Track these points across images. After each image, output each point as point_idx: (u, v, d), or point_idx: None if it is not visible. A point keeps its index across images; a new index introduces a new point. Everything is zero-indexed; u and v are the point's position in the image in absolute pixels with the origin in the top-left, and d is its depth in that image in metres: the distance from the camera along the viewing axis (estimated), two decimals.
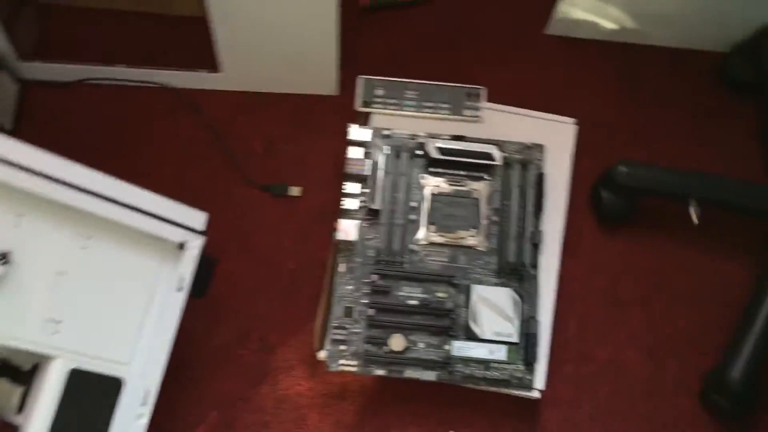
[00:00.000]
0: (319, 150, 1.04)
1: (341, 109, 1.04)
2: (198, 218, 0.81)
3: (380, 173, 0.94)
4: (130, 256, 0.76)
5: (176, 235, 0.78)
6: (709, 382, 0.94)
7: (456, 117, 0.99)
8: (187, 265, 0.80)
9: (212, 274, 0.84)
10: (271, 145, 1.04)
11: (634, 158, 1.01)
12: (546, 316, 0.93)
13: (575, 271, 0.99)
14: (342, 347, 0.90)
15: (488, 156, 0.94)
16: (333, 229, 0.91)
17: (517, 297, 0.91)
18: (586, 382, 0.96)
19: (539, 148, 0.97)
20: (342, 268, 0.92)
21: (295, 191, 1.01)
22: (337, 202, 0.93)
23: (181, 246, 0.79)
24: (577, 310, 0.98)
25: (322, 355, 0.91)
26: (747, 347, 0.91)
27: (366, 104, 1.00)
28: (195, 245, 0.80)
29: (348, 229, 0.91)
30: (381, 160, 0.94)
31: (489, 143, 0.96)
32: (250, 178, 1.02)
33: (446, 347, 0.90)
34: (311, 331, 0.95)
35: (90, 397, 0.74)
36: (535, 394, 0.90)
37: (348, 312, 0.91)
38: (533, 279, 0.92)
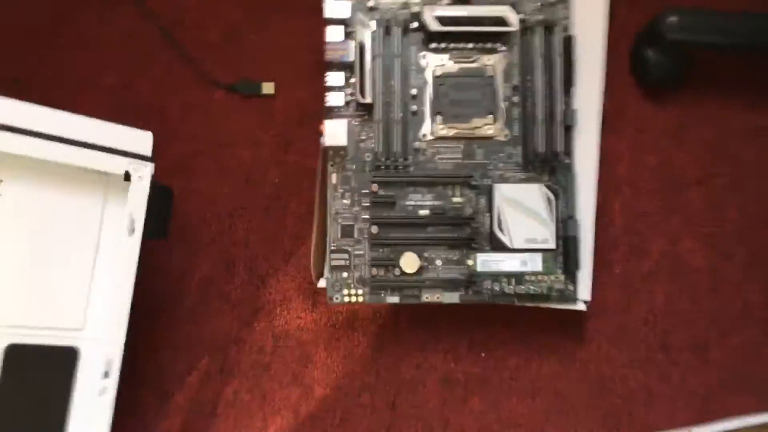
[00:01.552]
0: (291, 34, 0.87)
1: None
2: (143, 140, 0.66)
3: (368, 57, 0.77)
4: (61, 198, 0.62)
5: (116, 164, 0.64)
6: None
7: None
8: (137, 201, 0.65)
9: (170, 206, 0.70)
10: (233, 33, 0.87)
11: (682, 4, 0.84)
12: (587, 213, 0.78)
13: (619, 151, 0.84)
14: (344, 274, 0.77)
15: (501, 21, 0.77)
16: (318, 133, 0.76)
17: (550, 194, 0.76)
18: (639, 282, 0.83)
19: (564, 2, 0.80)
20: (334, 179, 0.78)
21: (267, 88, 0.85)
22: (320, 97, 0.78)
23: (126, 177, 0.65)
24: (624, 199, 0.84)
25: (321, 283, 0.79)
26: None
27: None
28: (143, 174, 0.66)
29: (336, 132, 0.75)
30: (367, 39, 0.77)
31: (501, 4, 0.78)
32: (212, 77, 0.86)
33: (469, 262, 0.76)
34: (306, 254, 0.82)
35: (38, 374, 0.62)
36: (581, 306, 0.78)
37: (347, 231, 0.78)
38: (568, 170, 0.77)
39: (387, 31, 0.78)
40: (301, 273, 0.83)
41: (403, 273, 0.76)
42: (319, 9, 0.78)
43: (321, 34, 0.77)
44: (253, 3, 0.87)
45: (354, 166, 0.78)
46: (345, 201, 0.78)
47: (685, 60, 0.83)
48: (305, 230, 0.83)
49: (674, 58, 0.82)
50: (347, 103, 0.78)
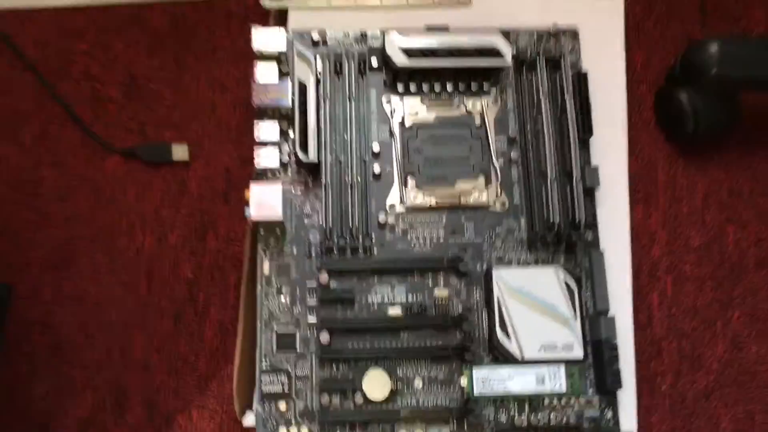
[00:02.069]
0: (212, 84, 0.66)
1: (241, 17, 0.67)
2: None
3: (311, 100, 0.57)
4: None
5: None
6: None
7: (428, 1, 0.62)
8: None
9: (5, 308, 0.47)
10: (134, 85, 0.66)
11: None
12: (622, 307, 0.57)
13: (651, 228, 0.63)
14: (281, 405, 0.53)
15: (490, 52, 0.59)
16: (244, 203, 0.55)
17: (570, 280, 0.56)
18: (695, 404, 0.60)
19: (571, 34, 0.62)
20: (266, 268, 0.56)
21: (179, 153, 0.63)
22: (249, 160, 0.57)
23: None
24: (663, 290, 0.62)
25: (248, 421, 0.55)
26: None
27: None
28: None
29: (266, 200, 0.54)
30: (310, 79, 0.58)
31: (487, 32, 0.59)
32: (104, 139, 0.64)
33: (461, 382, 0.54)
34: (230, 379, 0.59)
35: None
36: None
37: (285, 342, 0.54)
38: (593, 247, 0.57)
39: (337, 69, 0.60)
40: (222, 406, 0.59)
41: (367, 401, 0.54)
42: (249, 53, 0.59)
43: (250, 77, 0.58)
44: (160, 43, 0.67)
45: (294, 251, 0.56)
46: (282, 299, 0.55)
47: (730, 103, 0.64)
48: (229, 344, 0.60)
49: (717, 101, 0.63)
50: (284, 165, 0.57)
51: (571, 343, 0.54)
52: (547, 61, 0.59)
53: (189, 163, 0.64)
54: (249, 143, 0.59)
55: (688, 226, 0.64)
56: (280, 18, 0.62)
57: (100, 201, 0.63)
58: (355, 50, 0.59)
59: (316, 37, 0.59)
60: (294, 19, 0.62)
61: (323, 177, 0.56)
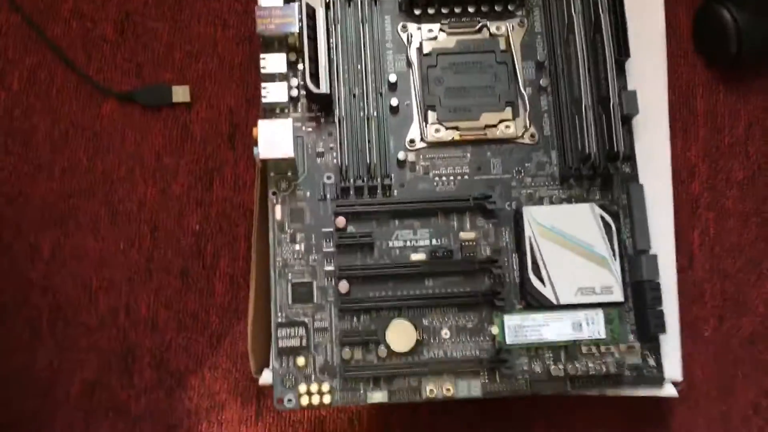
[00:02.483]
0: (212, 19, 0.61)
1: None
2: None
3: (320, 26, 0.52)
4: None
5: None
6: None
7: None
8: None
9: None
10: (129, 23, 0.61)
11: None
12: (665, 245, 0.52)
13: (690, 161, 0.59)
14: (299, 360, 0.49)
15: None
16: (252, 143, 0.50)
17: (607, 217, 0.51)
18: (740, 350, 0.56)
19: None
20: (279, 213, 0.51)
21: (180, 94, 0.59)
22: (254, 101, 0.53)
23: None
24: (705, 228, 0.58)
25: (265, 378, 0.51)
26: None
27: None
28: None
29: (275, 137, 0.49)
30: (319, 3, 0.53)
31: None
32: (101, 83, 0.59)
33: (492, 330, 0.50)
34: (243, 335, 0.55)
35: None
36: (669, 392, 0.51)
37: (301, 293, 0.50)
38: (632, 181, 0.52)
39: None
40: (236, 364, 0.56)
41: (391, 353, 0.50)
42: None
43: (254, 10, 0.53)
44: None
45: (308, 193, 0.52)
46: (296, 246, 0.51)
47: None
48: (242, 299, 0.57)
49: (763, 18, 0.58)
50: (293, 99, 0.53)
51: (610, 285, 0.50)
52: None
53: (191, 105, 0.59)
54: (254, 82, 0.55)
55: (730, 159, 0.59)
56: None
57: (98, 149, 0.59)
58: None
59: None
60: None
61: (336, 111, 0.51)
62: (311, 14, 0.52)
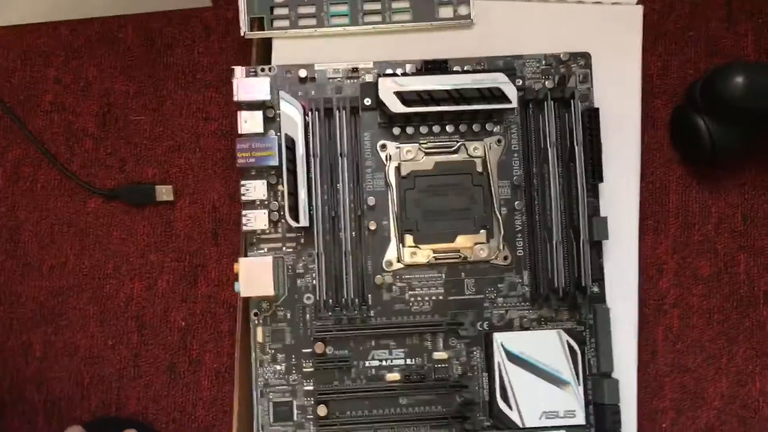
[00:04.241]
0: (194, 110, 0.61)
1: (220, 32, 0.61)
2: None
3: (300, 155, 0.53)
4: None
5: None
6: None
7: (425, 25, 0.56)
8: None
9: None
10: (111, 116, 0.61)
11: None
12: (627, 363, 0.55)
13: (659, 257, 0.60)
14: None
15: (495, 95, 0.53)
16: (233, 278, 0.51)
17: (573, 343, 0.53)
18: None
19: (582, 59, 0.56)
20: (260, 335, 0.53)
21: (163, 193, 0.60)
22: (236, 196, 0.54)
23: None
24: (669, 324, 0.60)
25: None
26: None
27: (259, 23, 0.56)
28: None
29: (258, 277, 0.51)
30: (297, 128, 0.53)
31: (491, 69, 0.54)
32: (85, 179, 0.60)
33: None
34: (229, 429, 0.58)
35: None
36: None
37: (282, 413, 0.53)
38: (599, 305, 0.54)
39: (327, 113, 0.54)
40: None
41: None
42: (227, 75, 0.54)
43: (232, 110, 0.54)
44: (135, 69, 0.61)
45: (288, 315, 0.54)
46: (277, 367, 0.53)
47: (752, 131, 0.58)
48: (227, 392, 0.59)
49: (738, 130, 0.58)
50: (274, 223, 0.54)
51: (573, 409, 0.52)
52: (555, 100, 0.54)
53: (174, 204, 0.60)
54: (236, 177, 0.55)
55: (698, 256, 0.61)
56: (264, 47, 0.57)
57: (84, 246, 0.60)
58: (345, 87, 0.55)
59: (303, 74, 0.54)
60: (279, 49, 0.56)
61: (316, 246, 0.52)
62: (290, 145, 0.52)
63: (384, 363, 0.54)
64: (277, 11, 0.55)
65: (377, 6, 0.55)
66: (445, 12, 0.56)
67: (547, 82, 0.55)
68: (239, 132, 0.52)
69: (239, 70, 0.53)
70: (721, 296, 0.60)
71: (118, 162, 0.60)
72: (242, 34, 0.55)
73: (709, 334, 0.60)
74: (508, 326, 0.54)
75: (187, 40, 0.61)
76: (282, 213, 0.53)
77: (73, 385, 0.59)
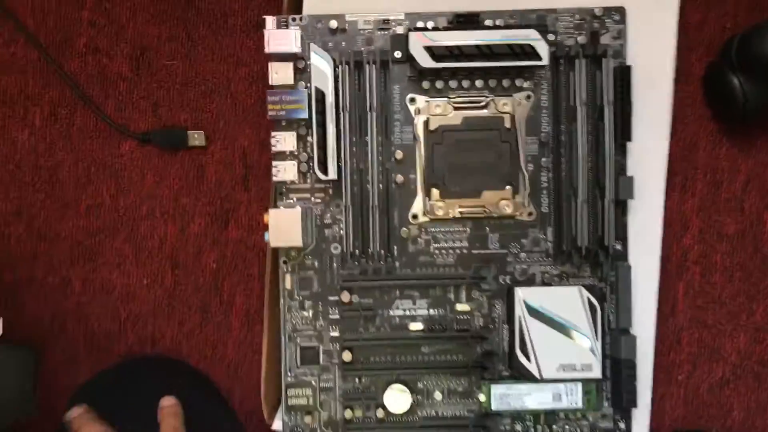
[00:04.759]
0: (225, 55, 0.61)
1: None
2: None
3: (329, 111, 0.54)
4: None
5: None
6: None
7: None
8: None
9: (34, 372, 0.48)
10: (144, 60, 0.61)
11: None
12: (646, 320, 0.56)
13: (685, 213, 0.61)
14: (306, 418, 0.55)
15: (526, 51, 0.52)
16: (263, 227, 0.53)
17: (593, 299, 0.54)
18: (709, 395, 0.61)
19: (617, 13, 0.55)
20: (288, 282, 0.55)
21: (195, 138, 0.61)
22: (267, 143, 0.55)
23: None
24: (691, 279, 0.61)
25: (276, 425, 0.58)
26: None
27: None
28: None
29: (284, 226, 0.52)
30: (327, 81, 0.53)
31: (522, 26, 0.53)
32: (118, 122, 0.61)
33: (480, 397, 0.55)
34: (257, 369, 0.60)
35: None
36: None
37: (309, 356, 0.56)
38: (621, 261, 0.55)
39: (357, 66, 0.54)
40: (253, 399, 0.61)
41: (388, 414, 0.56)
42: (263, 20, 0.54)
43: (263, 58, 0.54)
44: (170, 15, 0.61)
45: (316, 263, 0.55)
46: (305, 313, 0.55)
47: None
48: (256, 333, 0.62)
49: None
50: (303, 174, 0.55)
51: (590, 363, 0.54)
52: (587, 53, 0.54)
53: (206, 148, 0.61)
54: (267, 123, 0.56)
55: (725, 213, 0.61)
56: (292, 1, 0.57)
57: (119, 189, 0.62)
58: (376, 40, 0.54)
59: (333, 25, 0.54)
60: (309, 2, 0.55)
61: (344, 198, 0.53)
62: (320, 98, 0.53)
63: (407, 313, 0.55)
64: None
65: None
66: None
67: (579, 38, 0.54)
68: (270, 83, 0.53)
69: (270, 21, 0.53)
70: (745, 254, 0.61)
71: (151, 106, 0.61)
72: None
73: (730, 291, 0.61)
74: (530, 281, 0.55)
75: None
76: (311, 165, 0.54)
77: (111, 320, 0.62)
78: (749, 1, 0.60)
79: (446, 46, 0.52)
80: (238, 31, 0.61)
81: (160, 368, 0.61)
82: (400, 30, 0.54)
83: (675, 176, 0.60)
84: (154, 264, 0.61)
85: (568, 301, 0.54)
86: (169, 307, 0.62)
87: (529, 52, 0.52)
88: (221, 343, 0.62)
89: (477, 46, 0.52)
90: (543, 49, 0.52)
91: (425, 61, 0.52)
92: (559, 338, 0.54)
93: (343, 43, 0.54)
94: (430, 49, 0.52)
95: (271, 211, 0.52)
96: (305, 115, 0.52)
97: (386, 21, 0.54)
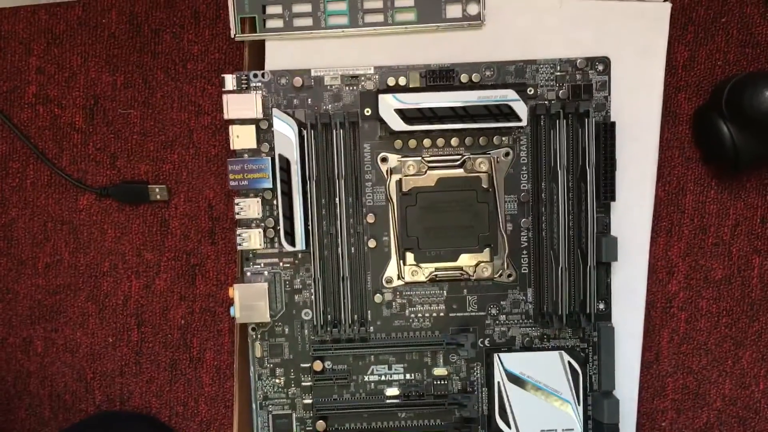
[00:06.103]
0: (185, 102, 0.58)
1: (209, 17, 0.57)
2: None
3: (295, 175, 0.51)
4: None
5: None
6: None
7: (431, 26, 0.52)
8: None
9: None
10: (98, 108, 0.58)
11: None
12: (629, 380, 0.55)
13: (671, 260, 0.59)
14: None
15: (504, 112, 0.50)
16: (228, 301, 0.51)
17: (575, 364, 0.53)
18: None
19: (600, 64, 0.52)
20: (258, 350, 0.54)
21: (156, 193, 0.58)
22: (233, 196, 0.52)
23: None
24: (676, 327, 0.59)
25: None
26: None
27: (250, 23, 0.52)
28: None
29: (254, 304, 0.50)
30: (292, 147, 0.50)
31: (499, 85, 0.50)
32: (75, 175, 0.58)
33: None
34: (229, 422, 0.59)
35: None
36: None
37: (281, 426, 0.54)
38: (604, 323, 0.53)
39: (324, 126, 0.51)
40: None
41: None
42: (224, 64, 0.51)
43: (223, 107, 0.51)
44: (125, 61, 0.57)
45: (286, 329, 0.53)
46: (276, 380, 0.54)
47: None
48: (228, 390, 0.60)
49: (762, 138, 0.55)
50: (271, 239, 0.53)
51: (571, 428, 0.53)
52: (568, 115, 0.51)
53: (168, 201, 0.58)
54: (225, 177, 0.53)
55: (712, 259, 0.59)
56: (257, 47, 0.53)
57: (79, 244, 0.59)
58: (344, 97, 0.51)
59: (298, 83, 0.51)
60: (272, 51, 0.52)
61: (312, 269, 0.51)
62: (285, 166, 0.50)
63: (383, 378, 0.54)
64: (270, 10, 0.51)
65: (379, 4, 0.51)
66: (453, 11, 0.51)
67: (561, 92, 0.52)
68: (231, 147, 0.50)
69: (229, 79, 0.50)
70: (732, 300, 0.60)
71: (108, 158, 0.58)
72: (232, 36, 0.51)
73: (716, 338, 0.60)
74: (510, 343, 0.54)
75: (175, 26, 0.57)
76: (278, 230, 0.52)
77: (77, 380, 0.60)
78: (739, 38, 0.58)
79: (418, 108, 0.50)
80: (198, 76, 0.57)
81: (133, 422, 0.60)
82: (369, 86, 0.51)
83: (661, 221, 0.58)
84: (119, 321, 0.59)
85: (549, 366, 0.53)
86: (137, 365, 0.60)
87: (507, 113, 0.50)
88: (192, 399, 0.60)
89: (451, 108, 0.50)
90: (522, 109, 0.50)
91: (396, 125, 0.50)
92: (539, 403, 0.53)
93: (309, 99, 0.51)
94: (401, 112, 0.49)
95: (237, 286, 0.50)
96: (269, 185, 0.50)
97: (354, 77, 0.52)
